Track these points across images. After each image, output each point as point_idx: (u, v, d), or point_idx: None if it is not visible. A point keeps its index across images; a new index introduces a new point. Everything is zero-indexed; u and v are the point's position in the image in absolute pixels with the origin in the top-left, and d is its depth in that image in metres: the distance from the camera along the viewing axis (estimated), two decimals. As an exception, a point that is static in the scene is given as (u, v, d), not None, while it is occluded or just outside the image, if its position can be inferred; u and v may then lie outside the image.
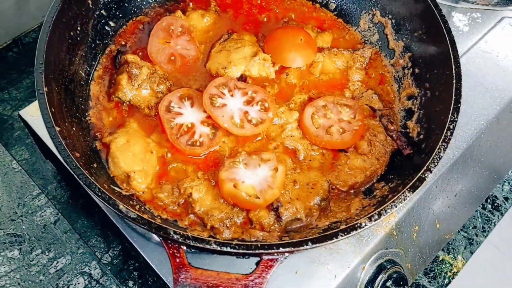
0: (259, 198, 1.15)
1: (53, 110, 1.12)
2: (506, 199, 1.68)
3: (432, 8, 1.29)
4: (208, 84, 1.29)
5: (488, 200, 1.66)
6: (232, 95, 1.29)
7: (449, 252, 1.52)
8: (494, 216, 1.64)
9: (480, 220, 1.62)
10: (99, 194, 1.01)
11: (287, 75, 1.41)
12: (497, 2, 1.69)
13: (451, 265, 1.50)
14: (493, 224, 1.63)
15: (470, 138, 1.45)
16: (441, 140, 1.10)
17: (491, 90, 1.54)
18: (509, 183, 1.70)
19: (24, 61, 1.77)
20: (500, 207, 1.66)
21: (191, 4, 1.52)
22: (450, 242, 1.53)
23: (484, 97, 1.52)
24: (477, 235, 1.59)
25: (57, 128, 1.08)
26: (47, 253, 1.24)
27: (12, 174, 1.36)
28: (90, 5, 1.35)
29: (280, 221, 1.16)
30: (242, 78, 1.36)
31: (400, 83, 1.41)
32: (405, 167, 1.22)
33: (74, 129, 1.21)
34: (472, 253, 1.55)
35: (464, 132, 1.45)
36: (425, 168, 1.07)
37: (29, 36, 1.84)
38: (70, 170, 1.04)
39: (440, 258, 1.51)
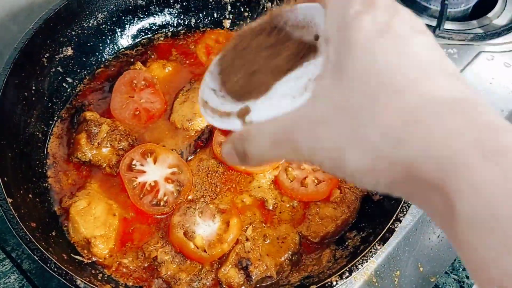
0: (206, 252, 1.11)
1: (5, 179, 1.07)
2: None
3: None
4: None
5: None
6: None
7: (441, 297, 1.47)
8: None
9: (469, 261, 1.58)
10: (55, 269, 0.96)
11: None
12: (473, 37, 1.66)
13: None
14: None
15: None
16: (409, 188, 1.08)
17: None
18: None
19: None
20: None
21: (152, 56, 1.48)
22: (440, 286, 1.48)
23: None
24: (467, 277, 1.55)
25: (9, 200, 1.03)
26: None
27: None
28: (45, 63, 1.31)
29: (250, 280, 1.11)
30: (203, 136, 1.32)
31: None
32: (376, 214, 1.19)
33: (30, 195, 1.15)
34: (463, 296, 1.51)
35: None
36: (394, 218, 1.04)
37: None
38: (24, 245, 0.99)
39: (430, 303, 1.47)
